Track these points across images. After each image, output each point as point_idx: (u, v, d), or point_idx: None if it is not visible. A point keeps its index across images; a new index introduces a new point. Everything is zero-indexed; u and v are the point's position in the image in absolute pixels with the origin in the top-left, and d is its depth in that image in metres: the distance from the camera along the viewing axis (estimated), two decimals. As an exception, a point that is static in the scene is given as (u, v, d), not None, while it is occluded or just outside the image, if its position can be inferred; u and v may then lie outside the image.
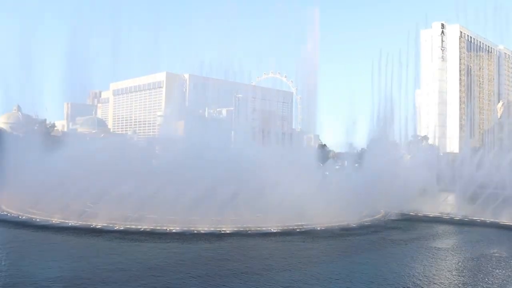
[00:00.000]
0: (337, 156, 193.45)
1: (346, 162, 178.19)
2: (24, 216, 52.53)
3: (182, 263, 34.60)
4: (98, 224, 47.48)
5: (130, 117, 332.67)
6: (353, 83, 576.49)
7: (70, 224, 47.98)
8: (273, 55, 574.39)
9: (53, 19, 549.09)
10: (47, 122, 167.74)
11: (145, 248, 40.39)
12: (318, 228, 50.07)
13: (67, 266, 32.84)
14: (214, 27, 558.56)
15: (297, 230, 49.37)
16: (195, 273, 31.01)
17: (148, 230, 46.15)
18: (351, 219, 54.92)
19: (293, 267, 34.37)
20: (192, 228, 46.51)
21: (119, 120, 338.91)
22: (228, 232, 46.67)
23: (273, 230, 47.91)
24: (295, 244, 43.78)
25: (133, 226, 47.02)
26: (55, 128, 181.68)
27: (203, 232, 46.15)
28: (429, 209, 66.97)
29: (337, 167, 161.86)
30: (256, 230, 47.48)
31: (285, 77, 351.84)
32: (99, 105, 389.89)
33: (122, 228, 46.70)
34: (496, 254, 40.96)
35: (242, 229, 47.74)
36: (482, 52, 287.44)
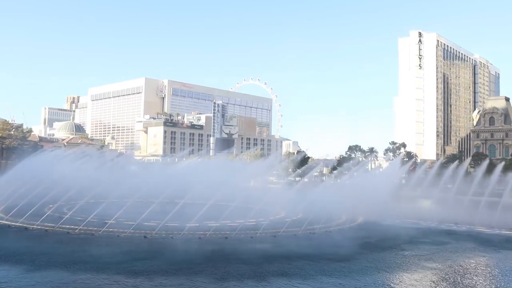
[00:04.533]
0: (316, 163, 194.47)
1: (324, 169, 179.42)
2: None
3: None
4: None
5: (109, 122, 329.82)
6: (331, 90, 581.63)
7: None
8: (253, 61, 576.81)
9: (32, 24, 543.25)
10: (24, 127, 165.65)
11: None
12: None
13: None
14: (194, 33, 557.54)
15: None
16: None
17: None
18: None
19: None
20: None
21: (97, 126, 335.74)
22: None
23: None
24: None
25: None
26: (32, 133, 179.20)
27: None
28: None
29: (315, 173, 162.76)
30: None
31: (265, 83, 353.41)
32: (77, 110, 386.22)
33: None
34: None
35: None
36: (459, 60, 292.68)
